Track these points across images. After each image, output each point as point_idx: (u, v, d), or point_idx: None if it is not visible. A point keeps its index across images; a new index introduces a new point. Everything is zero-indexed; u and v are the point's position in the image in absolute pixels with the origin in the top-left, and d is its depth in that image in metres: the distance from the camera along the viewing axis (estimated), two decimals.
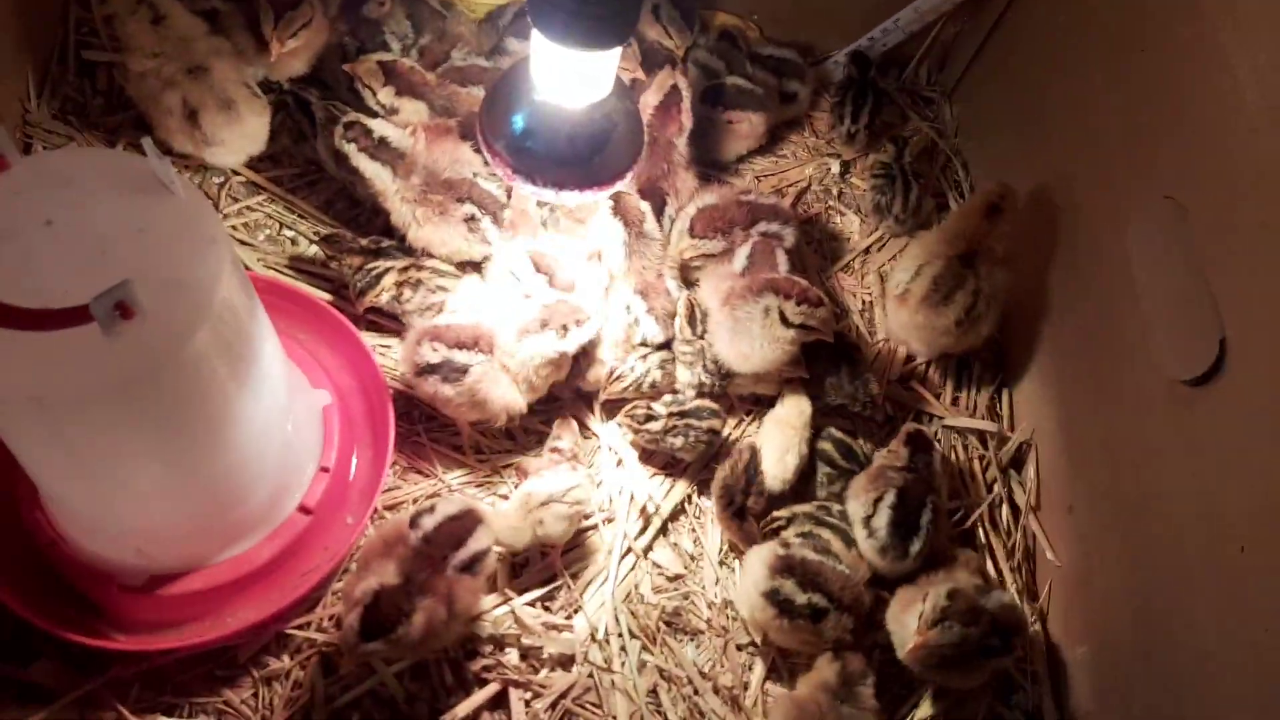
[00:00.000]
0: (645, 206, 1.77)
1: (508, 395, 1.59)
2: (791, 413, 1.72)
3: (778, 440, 1.70)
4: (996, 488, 1.79)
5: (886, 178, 2.05)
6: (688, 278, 1.85)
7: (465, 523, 1.39)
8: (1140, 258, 1.55)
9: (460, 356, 1.55)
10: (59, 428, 1.14)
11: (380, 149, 1.68)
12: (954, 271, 1.78)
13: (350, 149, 1.67)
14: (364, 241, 1.73)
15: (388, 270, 1.69)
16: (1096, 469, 1.64)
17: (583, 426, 1.74)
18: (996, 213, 1.78)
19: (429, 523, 1.37)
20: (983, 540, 1.74)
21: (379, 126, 1.69)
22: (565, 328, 1.56)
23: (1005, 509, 1.77)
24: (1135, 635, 1.48)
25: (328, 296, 1.76)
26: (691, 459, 1.73)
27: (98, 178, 1.15)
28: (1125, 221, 1.59)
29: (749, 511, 1.63)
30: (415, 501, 1.61)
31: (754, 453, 1.65)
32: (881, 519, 1.59)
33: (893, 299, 1.86)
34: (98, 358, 1.05)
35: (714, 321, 1.72)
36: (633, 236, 1.74)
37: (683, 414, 1.68)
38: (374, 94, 1.79)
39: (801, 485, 1.73)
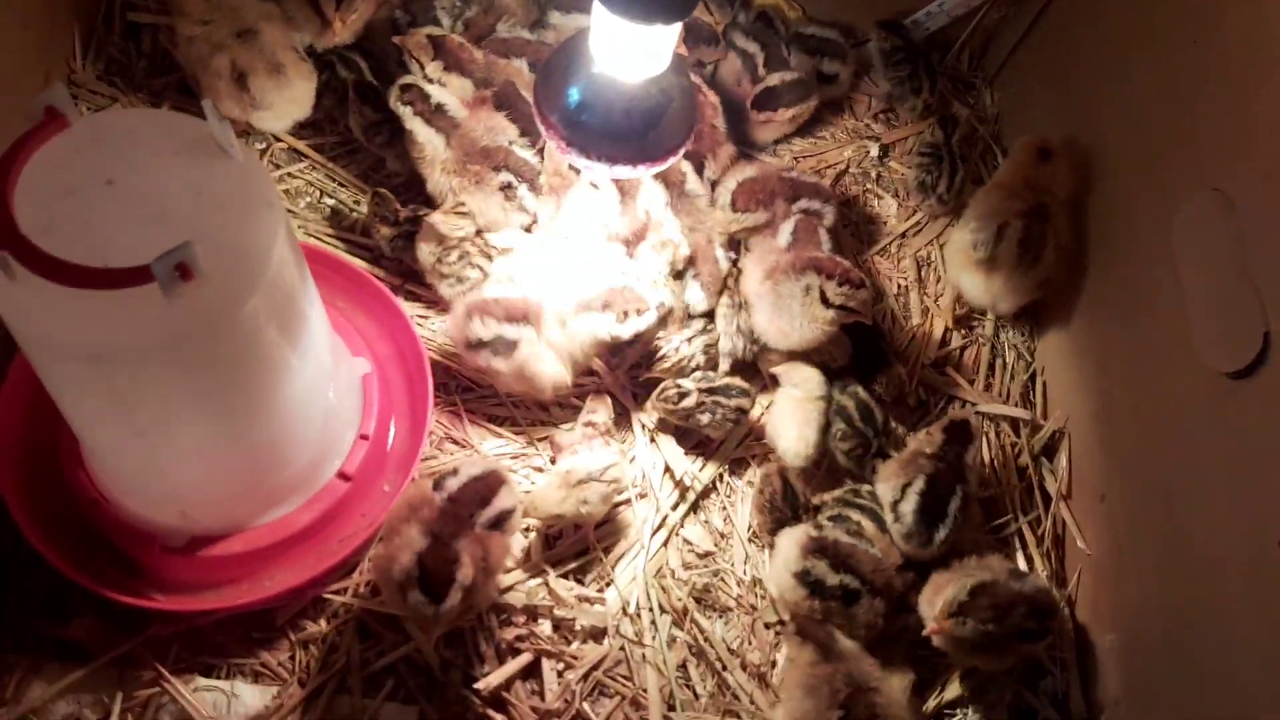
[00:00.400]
0: (686, 166, 1.78)
1: (554, 370, 1.60)
2: (808, 384, 1.70)
3: (795, 415, 1.69)
4: (1028, 474, 1.79)
5: (934, 157, 2.05)
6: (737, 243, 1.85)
7: (489, 481, 1.40)
8: (1185, 249, 1.54)
9: (510, 331, 1.56)
10: (114, 385, 1.15)
11: (436, 115, 1.69)
12: (1036, 228, 1.80)
13: (406, 111, 1.67)
14: (404, 212, 1.73)
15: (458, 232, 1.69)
16: (1131, 458, 1.64)
17: (615, 400, 1.74)
18: (1048, 156, 1.80)
19: (453, 484, 1.38)
20: (1014, 527, 1.74)
21: (436, 92, 1.70)
22: (625, 314, 1.57)
23: (1036, 495, 1.77)
24: (1165, 625, 1.49)
25: (367, 265, 1.76)
26: (718, 437, 1.73)
27: (157, 139, 1.15)
28: (1170, 213, 1.58)
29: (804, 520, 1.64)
30: None
31: (784, 478, 1.65)
32: (909, 505, 1.60)
33: (973, 266, 1.86)
34: (155, 317, 1.06)
35: (756, 294, 1.72)
36: (675, 196, 1.74)
37: (711, 390, 1.68)
38: (422, 68, 1.78)
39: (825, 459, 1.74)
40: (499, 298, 1.59)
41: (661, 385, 1.68)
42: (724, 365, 1.75)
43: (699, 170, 1.84)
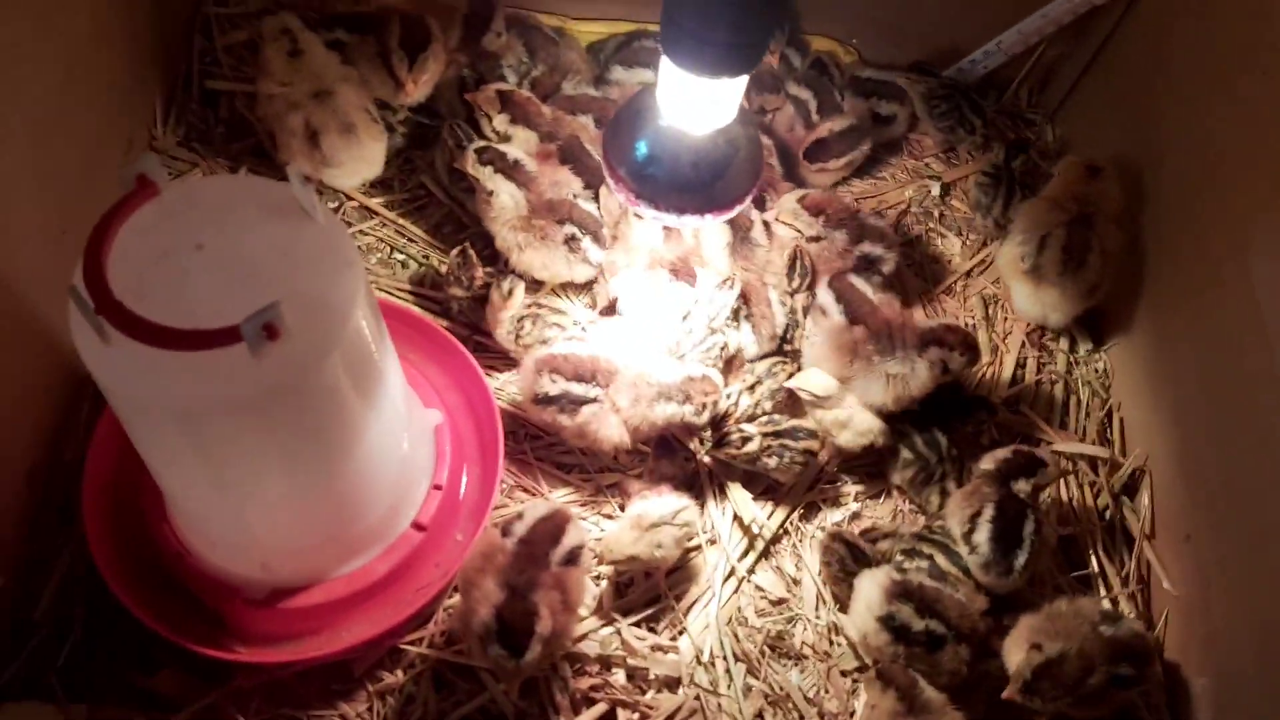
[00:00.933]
0: (755, 214, 1.80)
1: (616, 434, 1.61)
2: (835, 389, 1.70)
3: (844, 419, 1.71)
4: (1109, 514, 1.75)
5: (993, 179, 2.06)
6: (790, 292, 1.85)
7: (556, 520, 1.42)
8: (1265, 283, 1.51)
9: (578, 389, 1.58)
10: (201, 441, 1.18)
11: (515, 170, 1.73)
12: (1078, 236, 1.82)
13: (486, 171, 1.71)
14: (479, 279, 1.74)
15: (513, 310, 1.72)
16: (1216, 497, 1.59)
17: (683, 447, 1.74)
18: (1096, 173, 1.84)
19: (521, 527, 1.40)
20: (1096, 569, 1.70)
21: (510, 149, 1.75)
22: (704, 406, 1.61)
23: (1119, 536, 1.73)
24: (1259, 668, 1.44)
25: (437, 318, 1.79)
26: (788, 480, 1.72)
27: (243, 203, 1.19)
28: (1245, 241, 1.55)
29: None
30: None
31: (844, 541, 1.62)
32: (982, 534, 1.58)
33: (1021, 277, 1.89)
34: (242, 374, 1.08)
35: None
36: (738, 239, 1.77)
37: (777, 434, 1.67)
38: (490, 121, 1.83)
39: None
40: (569, 354, 1.61)
41: (724, 431, 1.68)
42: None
43: (760, 205, 1.86)
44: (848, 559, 1.60)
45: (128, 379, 1.09)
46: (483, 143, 1.75)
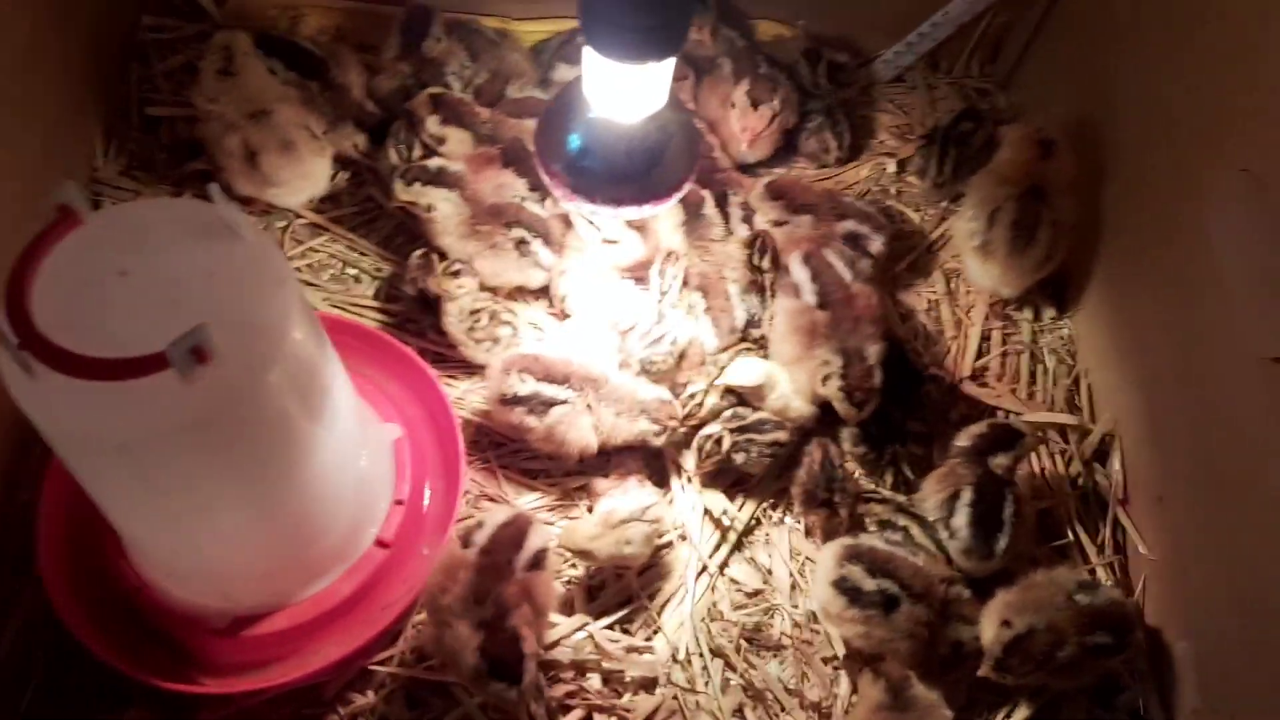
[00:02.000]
0: (705, 193, 1.80)
1: (585, 437, 1.59)
2: (764, 378, 1.67)
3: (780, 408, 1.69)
4: (1081, 482, 1.73)
5: (929, 141, 2.06)
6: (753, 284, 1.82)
7: (517, 525, 1.40)
8: (1220, 234, 1.50)
9: (549, 390, 1.56)
10: (142, 472, 1.16)
11: (441, 177, 1.71)
12: (1028, 210, 1.80)
13: (416, 189, 1.69)
14: (433, 284, 1.71)
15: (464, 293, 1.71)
16: (1185, 456, 1.58)
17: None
18: (1050, 148, 1.82)
19: (482, 536, 1.38)
20: (1071, 537, 1.68)
21: (432, 161, 1.73)
22: (665, 429, 1.61)
23: (1092, 503, 1.71)
24: (1240, 628, 1.42)
25: (393, 331, 1.77)
26: (758, 473, 1.70)
27: (168, 226, 1.17)
28: (1200, 198, 1.54)
29: (836, 505, 1.61)
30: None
31: (825, 449, 1.62)
32: (961, 518, 1.56)
33: (972, 253, 1.87)
34: (176, 401, 1.06)
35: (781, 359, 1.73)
36: (691, 215, 1.77)
37: (743, 429, 1.65)
38: (424, 124, 1.81)
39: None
40: (539, 355, 1.60)
41: (695, 443, 1.64)
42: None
43: (721, 203, 1.83)
44: (815, 464, 1.60)
45: (58, 413, 1.07)
46: (403, 166, 1.74)
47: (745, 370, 1.68)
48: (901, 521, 1.61)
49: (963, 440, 1.62)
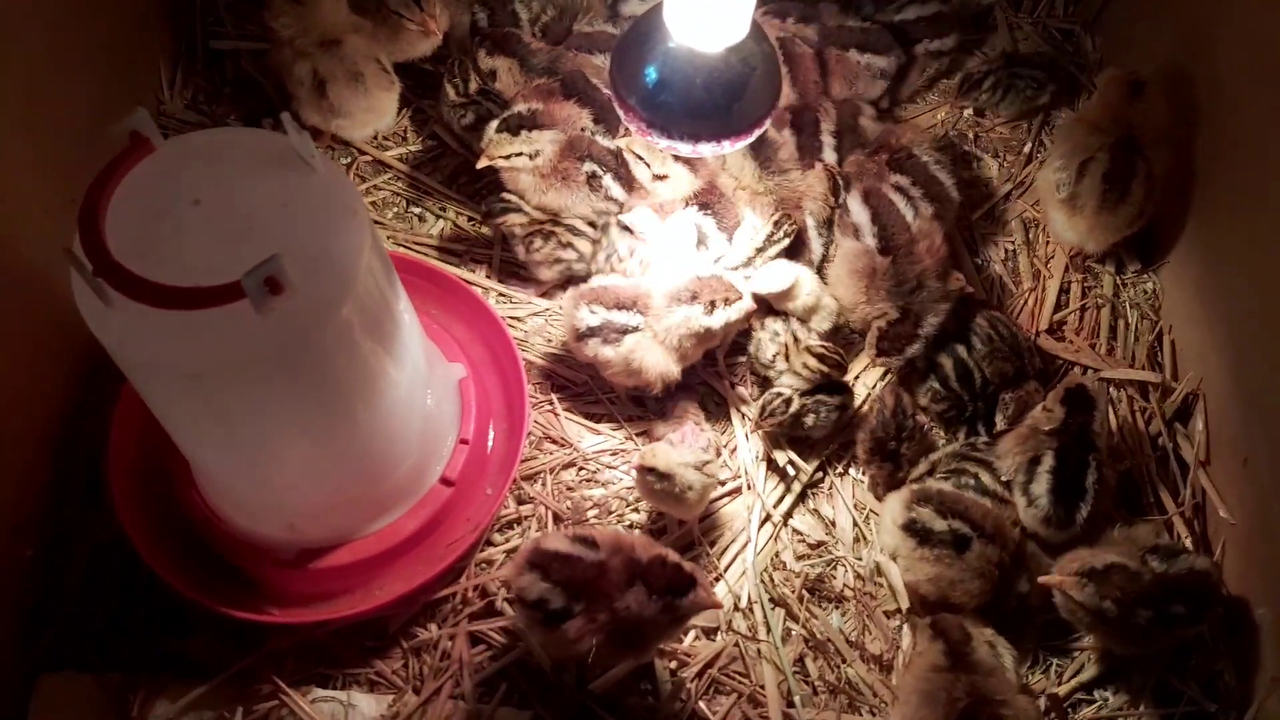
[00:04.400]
0: (787, 133, 1.78)
1: (662, 363, 1.56)
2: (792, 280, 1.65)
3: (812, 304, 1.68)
4: (1162, 442, 1.68)
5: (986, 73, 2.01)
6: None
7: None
8: None
9: (619, 317, 1.54)
10: (213, 402, 1.16)
11: (535, 119, 1.67)
12: (1121, 162, 1.70)
13: (524, 136, 1.65)
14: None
15: (518, 209, 1.69)
16: (1274, 419, 1.51)
17: (714, 390, 1.70)
18: (1140, 90, 1.71)
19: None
20: (1150, 499, 1.63)
21: (520, 106, 1.69)
22: (713, 304, 1.53)
23: (1172, 464, 1.66)
24: None
25: (458, 271, 1.75)
26: (823, 435, 1.66)
27: (240, 155, 1.16)
28: None
29: (903, 457, 1.58)
30: (552, 471, 1.60)
31: (898, 396, 1.59)
32: (1041, 485, 1.51)
33: (1058, 206, 1.78)
34: (250, 332, 1.06)
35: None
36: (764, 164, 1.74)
37: (812, 391, 1.62)
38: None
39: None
40: (608, 285, 1.58)
41: (762, 402, 1.61)
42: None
43: (815, 131, 1.78)
44: (886, 410, 1.58)
45: (132, 341, 1.07)
46: (498, 120, 1.68)
47: (774, 276, 1.65)
48: (971, 469, 1.56)
49: (1040, 408, 1.55)
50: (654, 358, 1.55)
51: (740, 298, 1.56)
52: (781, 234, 1.64)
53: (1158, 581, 1.39)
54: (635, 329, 1.55)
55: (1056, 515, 1.49)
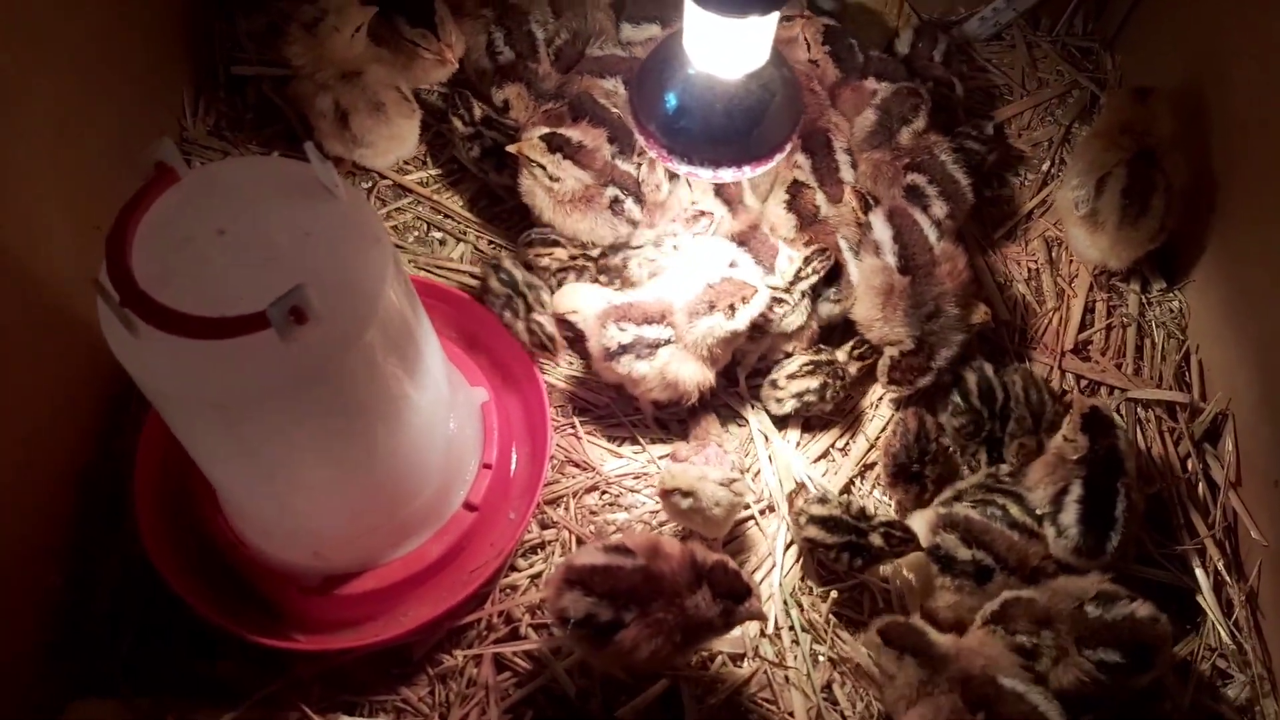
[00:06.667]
0: (801, 158, 1.74)
1: (698, 373, 1.55)
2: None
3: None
4: (1191, 463, 1.65)
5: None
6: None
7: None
8: None
9: (650, 332, 1.53)
10: (238, 431, 1.16)
11: (579, 153, 1.65)
12: (1139, 176, 1.69)
13: (554, 159, 1.63)
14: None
15: (557, 243, 1.70)
16: None
17: (735, 413, 1.69)
18: (1146, 96, 1.71)
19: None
20: (1180, 521, 1.61)
21: (571, 132, 1.67)
22: (732, 307, 1.51)
23: (1202, 486, 1.63)
24: None
25: (477, 295, 1.75)
26: (827, 409, 1.68)
27: (264, 185, 1.16)
28: None
29: (926, 479, 1.57)
30: (575, 495, 1.60)
31: (921, 419, 1.58)
32: (1070, 515, 1.48)
33: (1078, 223, 1.76)
34: (274, 361, 1.05)
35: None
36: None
37: (815, 364, 1.65)
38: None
39: None
40: (633, 301, 1.56)
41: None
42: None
43: (827, 148, 1.75)
44: (910, 434, 1.56)
45: (158, 371, 1.07)
46: (545, 130, 1.66)
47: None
48: (1000, 500, 1.53)
49: (1066, 433, 1.52)
50: (689, 369, 1.54)
51: (755, 291, 1.54)
52: (810, 270, 1.62)
53: (1092, 627, 1.33)
54: (668, 341, 1.53)
55: (1086, 545, 1.46)
